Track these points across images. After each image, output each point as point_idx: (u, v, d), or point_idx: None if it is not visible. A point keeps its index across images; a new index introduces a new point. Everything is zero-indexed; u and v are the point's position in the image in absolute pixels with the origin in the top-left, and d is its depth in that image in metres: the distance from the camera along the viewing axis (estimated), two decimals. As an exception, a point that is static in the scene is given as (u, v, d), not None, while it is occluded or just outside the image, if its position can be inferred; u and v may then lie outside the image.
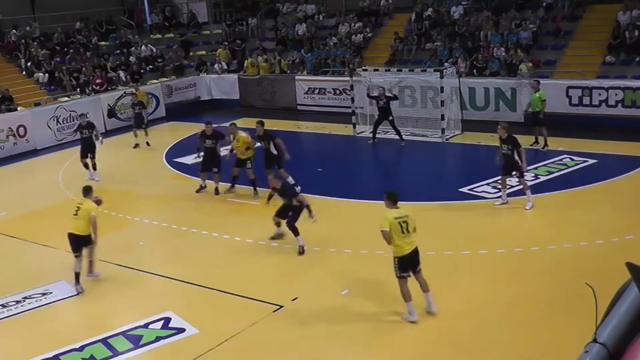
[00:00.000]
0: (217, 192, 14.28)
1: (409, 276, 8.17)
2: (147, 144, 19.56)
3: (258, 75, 24.84)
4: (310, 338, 8.19)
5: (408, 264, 8.13)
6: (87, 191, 10.18)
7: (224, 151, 14.67)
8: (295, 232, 10.79)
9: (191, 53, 27.90)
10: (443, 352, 7.72)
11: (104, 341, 8.28)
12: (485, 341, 7.80)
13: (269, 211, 13.08)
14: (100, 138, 16.47)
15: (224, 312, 9.03)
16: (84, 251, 9.99)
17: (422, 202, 12.35)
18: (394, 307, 8.55)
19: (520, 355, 7.48)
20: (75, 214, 9.81)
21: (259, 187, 13.72)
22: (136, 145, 19.44)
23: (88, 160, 16.11)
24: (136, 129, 19.48)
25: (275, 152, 13.60)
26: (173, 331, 8.48)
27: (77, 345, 8.20)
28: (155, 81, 24.92)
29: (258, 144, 14.16)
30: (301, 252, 10.74)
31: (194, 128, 20.50)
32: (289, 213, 10.94)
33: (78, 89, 23.43)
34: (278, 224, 11.29)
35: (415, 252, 8.15)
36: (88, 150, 16.09)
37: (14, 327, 9.05)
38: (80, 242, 9.86)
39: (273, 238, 11.38)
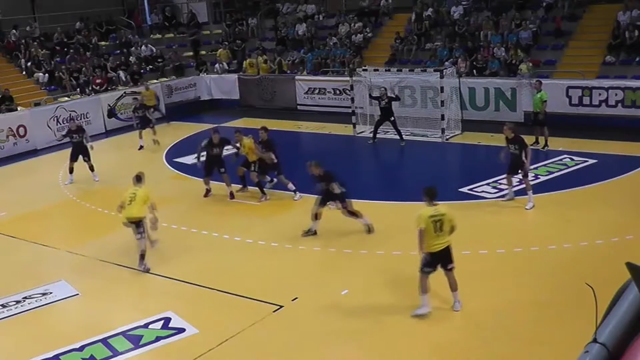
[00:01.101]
0: (232, 196, 13.89)
1: (433, 271, 8.19)
2: (154, 141, 19.27)
3: (258, 75, 24.83)
4: (310, 338, 8.19)
5: (437, 260, 8.18)
6: (139, 179, 10.67)
7: (225, 151, 14.64)
8: (356, 215, 11.11)
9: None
10: (443, 352, 7.72)
11: (104, 341, 8.28)
12: (485, 341, 7.80)
13: (269, 211, 13.13)
14: (90, 142, 16.22)
15: (224, 312, 9.03)
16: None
17: (422, 202, 12.31)
18: (394, 307, 8.57)
19: (520, 355, 7.49)
20: (132, 201, 10.25)
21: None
22: (141, 147, 19.20)
23: (75, 165, 15.90)
24: (142, 130, 19.22)
25: (275, 159, 13.64)
26: (173, 331, 8.48)
27: (77, 345, 8.20)
28: (155, 81, 24.86)
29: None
30: (370, 230, 11.12)
31: (194, 128, 20.52)
32: (334, 200, 11.11)
33: (78, 89, 23.41)
34: (316, 216, 11.27)
35: (445, 250, 8.16)
36: (80, 153, 15.88)
37: (14, 327, 9.06)
38: (138, 225, 10.36)
39: (307, 233, 11.30)
